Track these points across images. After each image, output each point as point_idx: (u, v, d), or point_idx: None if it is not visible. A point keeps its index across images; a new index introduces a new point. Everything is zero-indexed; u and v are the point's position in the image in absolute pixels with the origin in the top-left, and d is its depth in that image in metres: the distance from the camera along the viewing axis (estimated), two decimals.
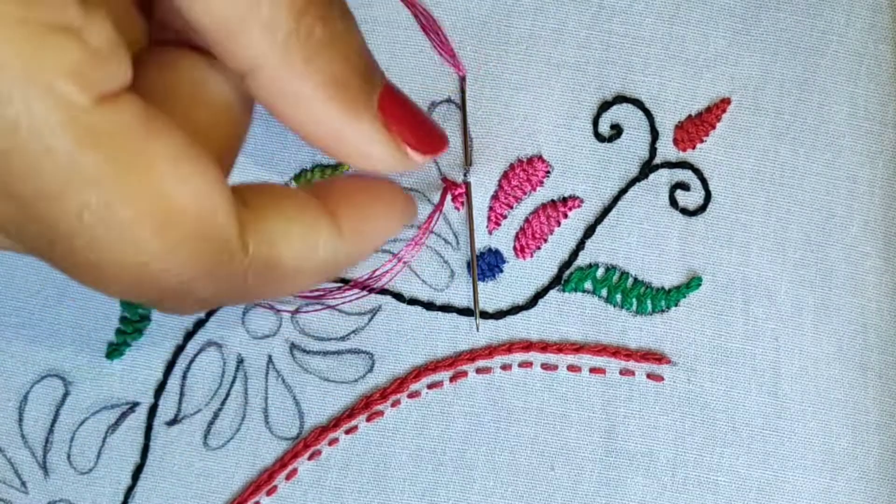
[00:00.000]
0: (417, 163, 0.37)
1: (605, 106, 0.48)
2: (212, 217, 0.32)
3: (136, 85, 0.32)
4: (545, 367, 0.48)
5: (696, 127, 0.48)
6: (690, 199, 0.48)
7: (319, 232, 0.35)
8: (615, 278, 0.48)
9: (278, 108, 0.34)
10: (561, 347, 0.48)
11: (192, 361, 0.48)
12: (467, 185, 0.48)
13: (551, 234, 0.48)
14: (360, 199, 0.37)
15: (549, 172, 0.48)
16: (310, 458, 0.47)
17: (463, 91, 0.48)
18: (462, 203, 0.48)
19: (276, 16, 0.32)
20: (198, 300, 0.34)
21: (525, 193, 0.48)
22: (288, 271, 0.35)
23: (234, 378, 0.48)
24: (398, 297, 0.48)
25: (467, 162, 0.48)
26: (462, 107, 0.48)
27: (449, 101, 0.48)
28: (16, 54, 0.28)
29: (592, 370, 0.48)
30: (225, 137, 0.36)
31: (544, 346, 0.48)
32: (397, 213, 0.38)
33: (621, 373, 0.48)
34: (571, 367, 0.48)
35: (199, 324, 0.48)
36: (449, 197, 0.48)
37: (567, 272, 0.48)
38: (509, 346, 0.48)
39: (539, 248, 0.48)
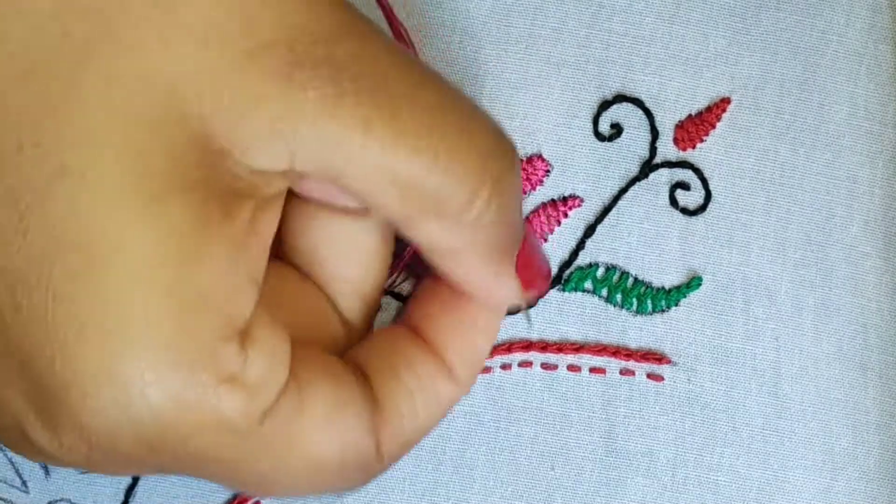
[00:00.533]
0: (528, 303, 0.42)
1: (605, 105, 0.48)
2: (354, 452, 0.37)
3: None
4: (545, 366, 0.48)
5: (696, 126, 0.48)
6: (691, 198, 0.48)
7: (440, 394, 0.39)
8: (615, 278, 0.48)
9: (445, 267, 0.38)
10: (561, 347, 0.48)
11: None
12: None
13: (551, 233, 0.48)
14: (470, 336, 0.40)
15: (548, 172, 0.48)
16: None
17: None
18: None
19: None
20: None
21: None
22: (415, 443, 0.39)
23: None
24: (397, 296, 0.48)
25: None
26: None
27: None
28: (191, 407, 0.32)
29: (592, 370, 0.48)
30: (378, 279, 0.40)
31: (544, 346, 0.48)
32: (494, 329, 0.41)
33: (621, 372, 0.48)
34: (571, 367, 0.48)
35: None
36: None
37: (567, 272, 0.48)
38: (509, 346, 0.48)
39: None
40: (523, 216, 0.39)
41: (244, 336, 0.33)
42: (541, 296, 0.43)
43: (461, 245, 0.36)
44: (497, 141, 0.35)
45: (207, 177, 0.31)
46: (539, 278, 0.41)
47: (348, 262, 0.39)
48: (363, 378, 0.38)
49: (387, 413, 0.38)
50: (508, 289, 0.39)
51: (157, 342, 0.31)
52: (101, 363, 0.31)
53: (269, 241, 0.34)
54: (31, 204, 0.30)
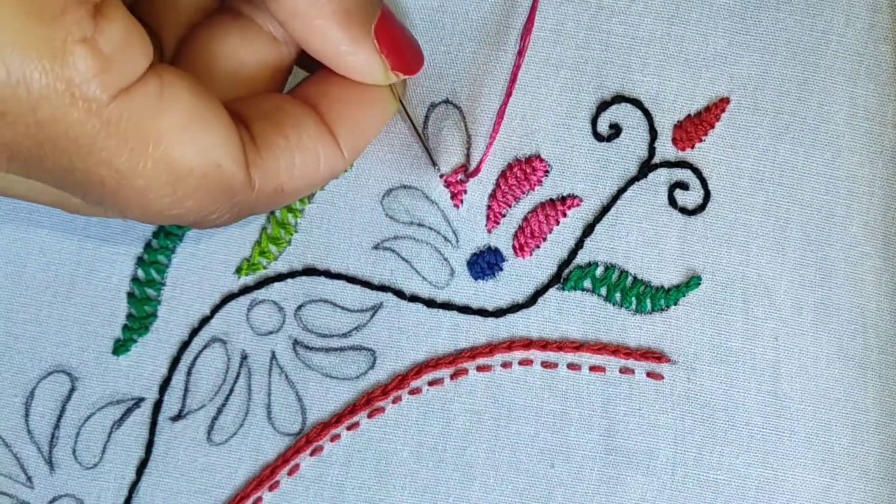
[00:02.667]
0: (396, 79, 0.44)
1: (603, 105, 0.48)
2: (216, 169, 0.39)
3: (187, 51, 0.43)
4: (545, 365, 0.48)
5: (695, 126, 0.48)
6: (689, 198, 0.48)
7: (320, 156, 0.42)
8: (614, 277, 0.48)
9: (300, 36, 0.42)
10: (561, 345, 0.48)
11: (196, 357, 0.48)
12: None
13: (550, 232, 0.48)
14: (356, 110, 0.44)
15: (547, 172, 0.48)
16: (312, 453, 0.48)
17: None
18: (461, 202, 0.48)
19: None
20: (215, 223, 0.41)
21: (524, 192, 0.48)
22: (291, 193, 0.42)
23: (238, 374, 0.48)
24: (399, 294, 0.48)
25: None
26: None
27: (447, 101, 0.48)
28: (42, 68, 0.35)
29: (592, 368, 0.48)
30: (271, 75, 0.44)
31: (544, 345, 0.48)
32: (386, 112, 0.45)
33: (621, 371, 0.48)
34: (571, 366, 0.48)
35: (205, 321, 0.48)
36: (448, 195, 0.48)
37: (566, 271, 0.48)
38: (509, 344, 0.48)
39: (538, 246, 0.48)
40: None
41: (96, 9, 0.36)
42: (410, 73, 0.44)
43: (313, 7, 0.41)
44: None
45: None
46: (405, 55, 0.44)
47: None
48: (241, 121, 0.41)
49: (263, 154, 0.41)
50: (367, 57, 0.43)
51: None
52: None
53: None
54: None
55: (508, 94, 0.47)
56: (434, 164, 0.48)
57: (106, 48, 0.36)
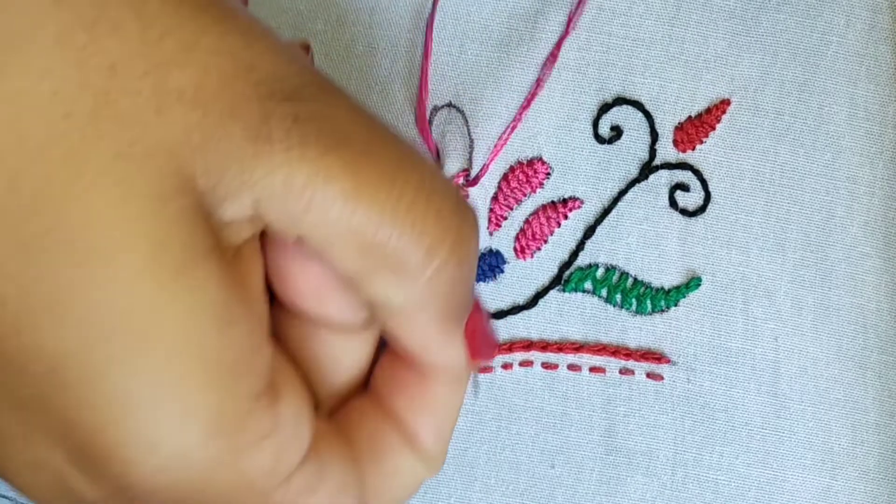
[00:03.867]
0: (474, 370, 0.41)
1: (604, 108, 0.48)
2: None
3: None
4: (546, 365, 0.48)
5: (695, 128, 0.48)
6: (690, 199, 0.49)
7: (405, 474, 0.38)
8: (615, 278, 0.48)
9: (388, 320, 0.36)
10: (561, 346, 0.48)
11: None
12: None
13: (551, 234, 0.48)
14: (431, 408, 0.38)
15: (549, 174, 0.48)
16: None
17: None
18: (466, 196, 0.48)
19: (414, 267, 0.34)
20: None
21: (525, 195, 0.48)
22: None
23: None
24: None
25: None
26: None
27: (450, 105, 0.48)
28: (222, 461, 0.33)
29: (592, 369, 0.48)
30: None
31: (545, 346, 0.48)
32: (457, 401, 0.39)
33: (621, 372, 0.48)
34: (571, 367, 0.48)
35: None
36: None
37: (567, 272, 0.48)
38: (510, 345, 0.48)
39: (539, 248, 0.48)
40: (475, 287, 0.38)
41: (273, 391, 0.33)
42: (486, 363, 0.43)
43: (414, 303, 0.35)
44: (458, 203, 0.35)
45: (215, 239, 0.32)
46: (486, 347, 0.39)
47: (334, 373, 0.38)
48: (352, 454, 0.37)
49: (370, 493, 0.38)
50: (456, 354, 0.37)
51: (198, 413, 0.32)
52: (147, 435, 0.31)
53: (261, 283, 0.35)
54: (62, 287, 0.31)
55: (524, 107, 0.47)
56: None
57: (282, 432, 0.33)
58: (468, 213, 0.35)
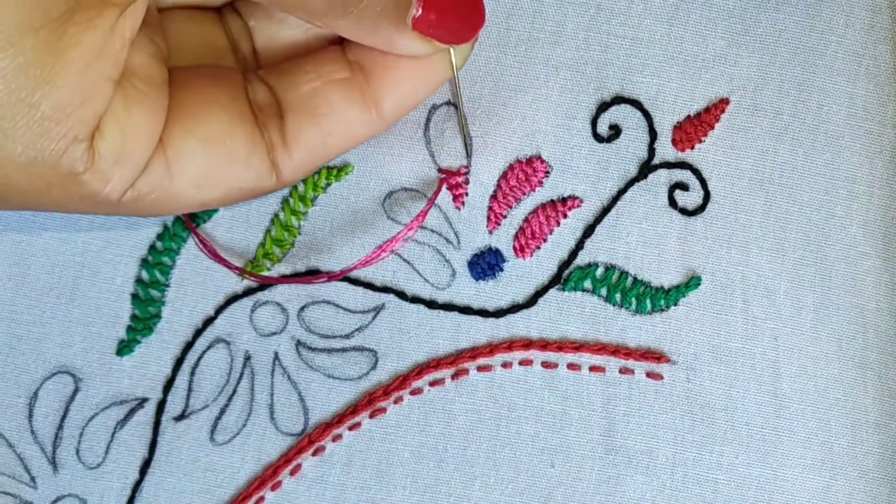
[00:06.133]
0: (446, 49, 0.44)
1: (603, 107, 0.49)
2: (239, 191, 0.43)
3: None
4: (545, 365, 0.48)
5: (694, 127, 0.49)
6: (689, 199, 0.49)
7: (356, 130, 0.44)
8: (615, 278, 0.48)
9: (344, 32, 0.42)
10: (561, 346, 0.48)
11: (200, 358, 0.48)
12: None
13: (551, 233, 0.48)
14: (404, 74, 0.44)
15: (548, 172, 0.48)
16: (314, 453, 0.48)
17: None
18: (463, 203, 0.48)
19: None
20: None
21: (524, 193, 0.48)
22: (321, 163, 0.44)
23: (241, 374, 0.48)
24: (401, 295, 0.48)
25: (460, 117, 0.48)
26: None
27: (448, 103, 0.48)
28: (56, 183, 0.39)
29: (592, 368, 0.48)
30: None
31: (544, 345, 0.48)
32: (437, 76, 0.45)
33: (621, 371, 0.48)
34: (571, 366, 0.48)
35: (208, 321, 0.48)
36: (451, 197, 0.48)
37: (567, 271, 0.48)
38: (510, 345, 0.48)
39: (539, 247, 0.48)
40: None
41: (95, 131, 0.39)
42: (462, 41, 0.43)
43: (338, 23, 0.41)
44: None
45: (70, 3, 0.37)
46: (452, 27, 0.42)
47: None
48: (273, 114, 0.43)
49: (293, 152, 0.43)
50: (409, 44, 0.42)
51: (14, 153, 0.37)
52: None
53: (132, 36, 0.39)
54: None
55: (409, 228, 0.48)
56: (467, 143, 0.48)
57: (103, 168, 0.39)
58: None
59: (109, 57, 0.38)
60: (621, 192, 0.48)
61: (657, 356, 0.48)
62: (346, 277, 0.48)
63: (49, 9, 0.36)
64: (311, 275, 0.48)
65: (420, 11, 0.41)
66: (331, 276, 0.48)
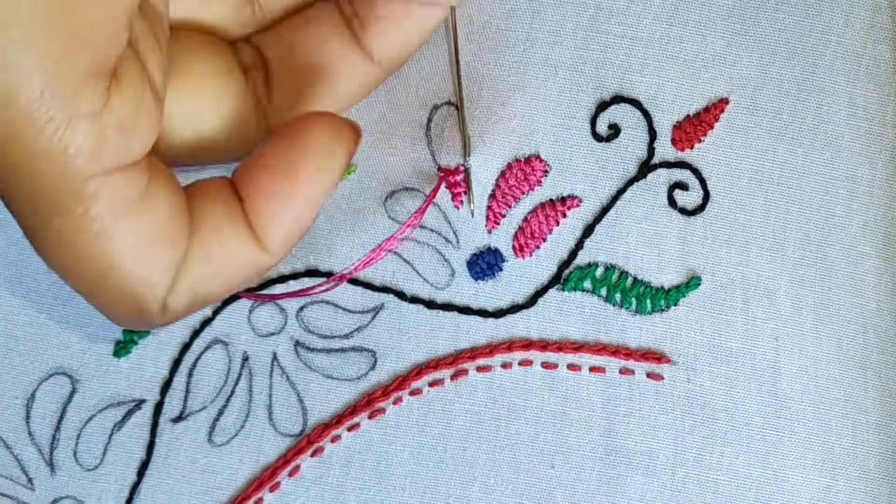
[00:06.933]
0: None
1: (602, 106, 0.49)
2: (139, 298, 0.38)
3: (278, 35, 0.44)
4: (545, 365, 0.48)
5: (694, 127, 0.49)
6: (689, 198, 0.49)
7: (242, 263, 0.40)
8: (614, 277, 0.48)
9: None
10: (561, 346, 0.48)
11: (198, 359, 0.48)
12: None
13: (550, 233, 0.48)
14: (285, 203, 0.40)
15: (547, 172, 0.48)
16: (313, 454, 0.48)
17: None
18: (461, 202, 0.48)
19: None
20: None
21: (523, 193, 0.48)
22: (206, 302, 0.41)
23: (240, 375, 0.48)
24: (400, 295, 0.48)
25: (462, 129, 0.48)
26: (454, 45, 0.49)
27: (449, 103, 0.48)
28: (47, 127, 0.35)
29: (592, 369, 0.48)
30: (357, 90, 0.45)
31: (544, 345, 0.48)
32: (316, 199, 0.40)
33: (621, 372, 0.48)
34: (571, 366, 0.48)
35: (206, 322, 0.48)
36: (449, 196, 0.48)
37: (566, 271, 0.48)
38: (509, 345, 0.48)
39: (538, 247, 0.48)
40: None
41: (112, 76, 0.36)
42: None
43: None
44: None
45: None
46: None
47: None
48: (260, 70, 0.43)
49: (185, 269, 0.39)
50: None
51: (36, 63, 0.34)
52: None
53: None
54: None
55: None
56: (465, 141, 0.48)
57: (109, 124, 0.36)
58: None
59: None
60: (621, 191, 0.48)
61: (657, 356, 0.48)
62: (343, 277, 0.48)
63: None
64: (310, 275, 0.48)
65: None
66: (328, 287, 0.48)
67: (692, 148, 0.49)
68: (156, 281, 0.38)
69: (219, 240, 0.39)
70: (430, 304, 0.48)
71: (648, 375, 0.48)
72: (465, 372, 0.48)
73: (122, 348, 0.48)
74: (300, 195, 0.39)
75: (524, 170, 0.48)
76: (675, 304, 0.48)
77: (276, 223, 0.39)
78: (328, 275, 0.48)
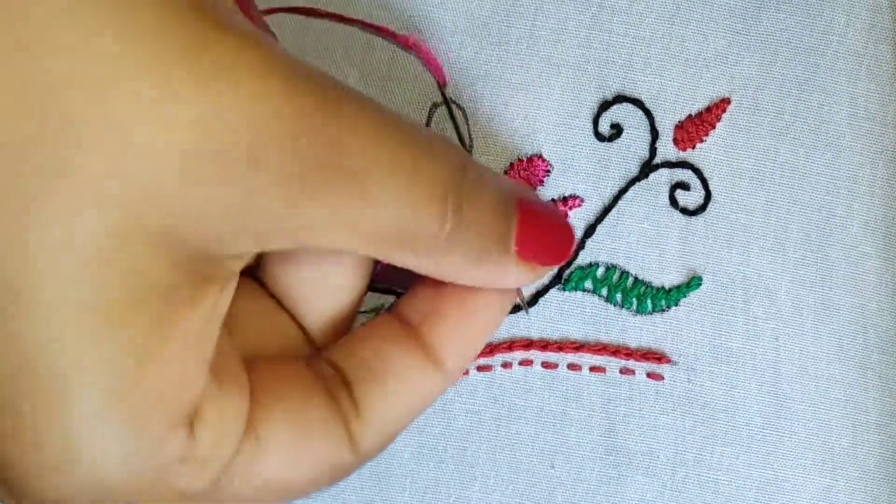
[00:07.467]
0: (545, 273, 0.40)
1: (605, 105, 0.48)
2: (327, 472, 0.37)
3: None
4: (546, 365, 0.48)
5: (696, 127, 0.48)
6: (690, 198, 0.49)
7: (425, 391, 0.38)
8: (615, 277, 0.48)
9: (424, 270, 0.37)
10: (561, 346, 0.48)
11: None
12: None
13: None
14: (465, 331, 0.39)
15: (548, 171, 0.48)
16: None
17: (445, 98, 0.48)
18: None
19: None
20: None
21: None
22: (400, 431, 0.38)
23: None
24: (400, 295, 0.48)
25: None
26: (450, 112, 0.48)
27: (450, 102, 0.48)
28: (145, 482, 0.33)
29: (592, 369, 0.48)
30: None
31: (545, 345, 0.48)
32: (495, 323, 0.39)
33: (621, 372, 0.48)
34: (572, 366, 0.48)
35: None
36: None
37: (567, 271, 0.48)
38: (510, 344, 0.48)
39: None
40: (505, 185, 0.38)
41: (193, 416, 0.34)
42: (562, 259, 0.39)
43: (446, 260, 0.36)
44: (443, 153, 0.35)
45: (177, 278, 0.32)
46: (552, 246, 0.38)
47: (319, 296, 0.39)
48: (340, 384, 0.38)
49: (367, 417, 0.37)
50: (509, 278, 0.38)
51: (112, 440, 0.32)
52: (62, 460, 0.32)
53: (226, 310, 0.35)
54: None
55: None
56: (467, 143, 0.48)
57: (201, 453, 0.34)
58: (452, 153, 0.35)
59: (208, 338, 0.34)
60: (622, 191, 0.48)
61: (658, 356, 0.48)
62: None
63: (155, 280, 0.32)
64: None
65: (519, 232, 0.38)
66: None
67: (694, 148, 0.49)
68: (325, 460, 0.37)
69: (400, 380, 0.38)
70: None
71: (649, 375, 0.48)
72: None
73: None
74: (480, 323, 0.39)
75: (526, 169, 0.48)
76: (676, 305, 0.48)
77: (459, 352, 0.39)
78: None
